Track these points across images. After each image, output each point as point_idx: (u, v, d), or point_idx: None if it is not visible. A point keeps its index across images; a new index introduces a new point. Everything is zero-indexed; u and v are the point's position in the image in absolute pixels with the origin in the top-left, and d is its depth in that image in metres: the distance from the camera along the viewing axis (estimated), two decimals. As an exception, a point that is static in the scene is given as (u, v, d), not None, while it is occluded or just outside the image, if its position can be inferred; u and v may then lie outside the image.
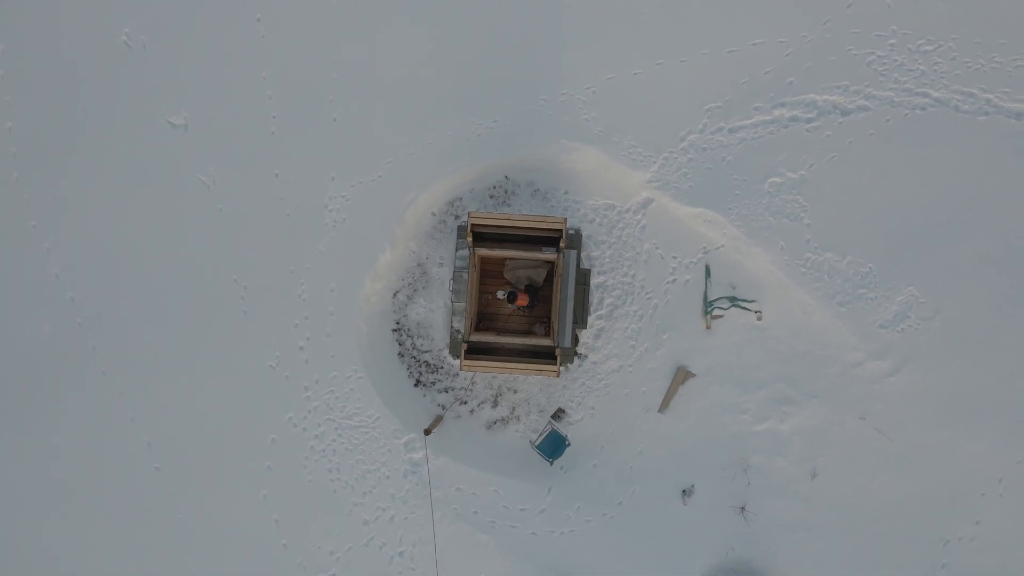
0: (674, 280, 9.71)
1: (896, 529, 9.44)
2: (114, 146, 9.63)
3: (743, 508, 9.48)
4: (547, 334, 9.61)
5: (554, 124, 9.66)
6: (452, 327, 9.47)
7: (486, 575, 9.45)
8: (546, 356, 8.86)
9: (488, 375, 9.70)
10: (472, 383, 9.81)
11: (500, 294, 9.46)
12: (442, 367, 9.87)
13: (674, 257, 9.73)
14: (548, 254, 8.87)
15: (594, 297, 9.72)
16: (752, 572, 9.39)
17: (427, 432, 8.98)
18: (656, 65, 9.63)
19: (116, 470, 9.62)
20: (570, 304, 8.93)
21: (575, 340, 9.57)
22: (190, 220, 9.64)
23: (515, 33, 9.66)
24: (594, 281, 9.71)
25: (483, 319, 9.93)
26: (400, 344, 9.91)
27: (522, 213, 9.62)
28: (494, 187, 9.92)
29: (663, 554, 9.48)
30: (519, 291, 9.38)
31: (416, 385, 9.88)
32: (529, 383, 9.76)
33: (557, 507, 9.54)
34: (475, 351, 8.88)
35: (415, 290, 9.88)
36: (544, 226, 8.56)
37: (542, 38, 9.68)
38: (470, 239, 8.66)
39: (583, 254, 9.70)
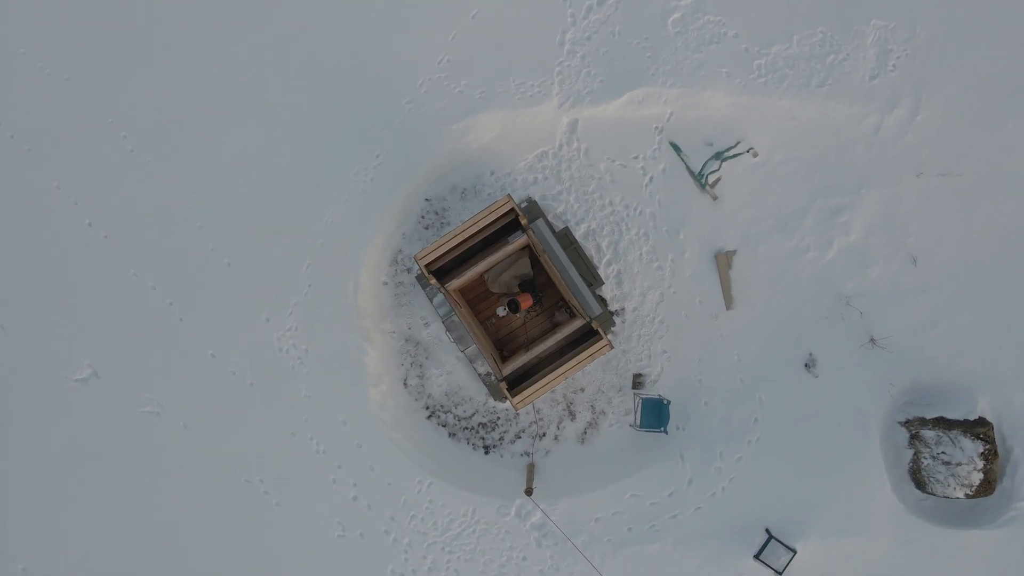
0: (650, 178, 8.47)
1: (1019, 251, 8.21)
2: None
3: (872, 340, 8.23)
4: (572, 314, 8.35)
5: (433, 117, 8.43)
6: (480, 374, 8.20)
7: (701, 572, 8.18)
8: (587, 336, 7.59)
9: (546, 396, 8.42)
10: (537, 412, 8.53)
11: (501, 311, 8.21)
12: (498, 419, 8.59)
13: (634, 158, 8.50)
14: (517, 240, 7.62)
15: (590, 248, 8.47)
16: (938, 388, 8.12)
17: (529, 491, 7.69)
18: (486, -6, 8.43)
19: None
20: (573, 271, 7.67)
21: (602, 302, 8.31)
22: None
23: (337, 68, 8.44)
24: (579, 233, 8.47)
25: (503, 345, 8.66)
26: (444, 426, 8.62)
27: (462, 221, 8.36)
28: (422, 217, 8.67)
29: (832, 434, 8.19)
30: (517, 295, 8.13)
31: (487, 452, 8.59)
32: (590, 373, 8.50)
33: (700, 468, 8.26)
34: (517, 382, 7.61)
35: (420, 366, 8.60)
36: (492, 217, 7.30)
37: (364, 52, 8.45)
38: (433, 281, 7.40)
39: (550, 217, 8.45)
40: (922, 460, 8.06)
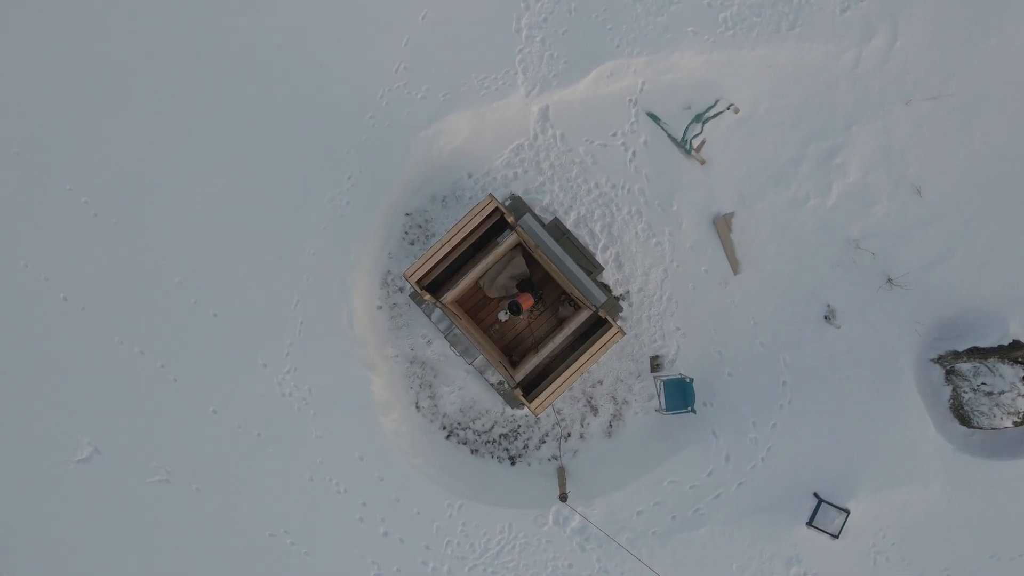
0: (633, 153, 8.13)
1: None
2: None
3: (889, 280, 7.89)
4: (577, 307, 8.01)
5: (399, 128, 8.09)
6: (492, 384, 7.86)
7: (754, 550, 7.80)
8: (596, 327, 7.25)
9: (564, 395, 8.07)
10: (557, 413, 8.19)
11: (502, 315, 7.86)
12: (519, 427, 8.25)
13: (613, 135, 8.16)
14: (507, 240, 7.28)
15: (583, 236, 8.14)
16: (966, 318, 7.79)
17: (563, 497, 7.35)
18: (432, -8, 8.10)
19: None
20: (569, 262, 7.33)
21: (605, 288, 7.98)
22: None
23: (293, 95, 8.11)
24: (569, 222, 8.13)
25: (511, 350, 8.32)
26: (464, 443, 8.27)
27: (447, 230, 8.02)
28: (405, 233, 8.33)
29: (865, 384, 7.84)
30: (516, 296, 7.79)
31: (513, 463, 8.24)
32: (605, 364, 8.15)
33: (735, 441, 7.92)
34: (532, 385, 7.27)
35: (430, 386, 8.25)
36: (477, 220, 6.97)
37: (318, 74, 8.12)
38: (428, 297, 7.06)
39: (536, 210, 8.12)
40: (962, 395, 7.72)
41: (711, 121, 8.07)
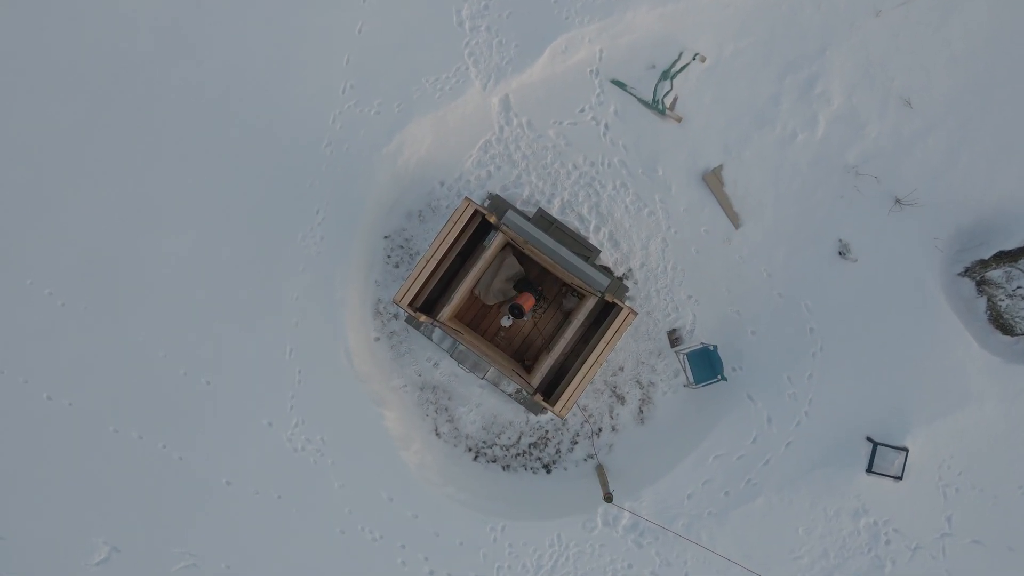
0: (605, 125, 7.72)
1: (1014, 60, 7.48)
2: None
3: (897, 201, 7.48)
4: (581, 296, 7.59)
5: (359, 149, 7.67)
6: (510, 394, 7.44)
7: (816, 510, 7.37)
8: (605, 313, 6.83)
9: (587, 390, 7.64)
10: (583, 410, 7.76)
11: (505, 321, 7.46)
12: (546, 433, 7.82)
13: (581, 111, 7.75)
14: (494, 242, 6.86)
15: (572, 221, 7.72)
16: (984, 224, 7.38)
17: (609, 497, 6.91)
18: (364, 3, 7.68)
19: None
20: (563, 251, 6.90)
21: (606, 271, 7.58)
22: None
23: (245, 136, 7.69)
24: (554, 211, 7.71)
25: (522, 355, 7.90)
26: (494, 461, 7.84)
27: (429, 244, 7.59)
28: (388, 256, 7.90)
29: (895, 314, 7.42)
30: (515, 298, 7.37)
31: (549, 472, 7.81)
32: (623, 349, 7.73)
33: (774, 401, 7.49)
34: (551, 387, 6.84)
35: (446, 409, 7.83)
36: (458, 227, 6.54)
37: (265, 110, 7.70)
38: (423, 318, 6.63)
39: (518, 204, 7.71)
40: (999, 303, 7.30)
41: (679, 76, 7.66)
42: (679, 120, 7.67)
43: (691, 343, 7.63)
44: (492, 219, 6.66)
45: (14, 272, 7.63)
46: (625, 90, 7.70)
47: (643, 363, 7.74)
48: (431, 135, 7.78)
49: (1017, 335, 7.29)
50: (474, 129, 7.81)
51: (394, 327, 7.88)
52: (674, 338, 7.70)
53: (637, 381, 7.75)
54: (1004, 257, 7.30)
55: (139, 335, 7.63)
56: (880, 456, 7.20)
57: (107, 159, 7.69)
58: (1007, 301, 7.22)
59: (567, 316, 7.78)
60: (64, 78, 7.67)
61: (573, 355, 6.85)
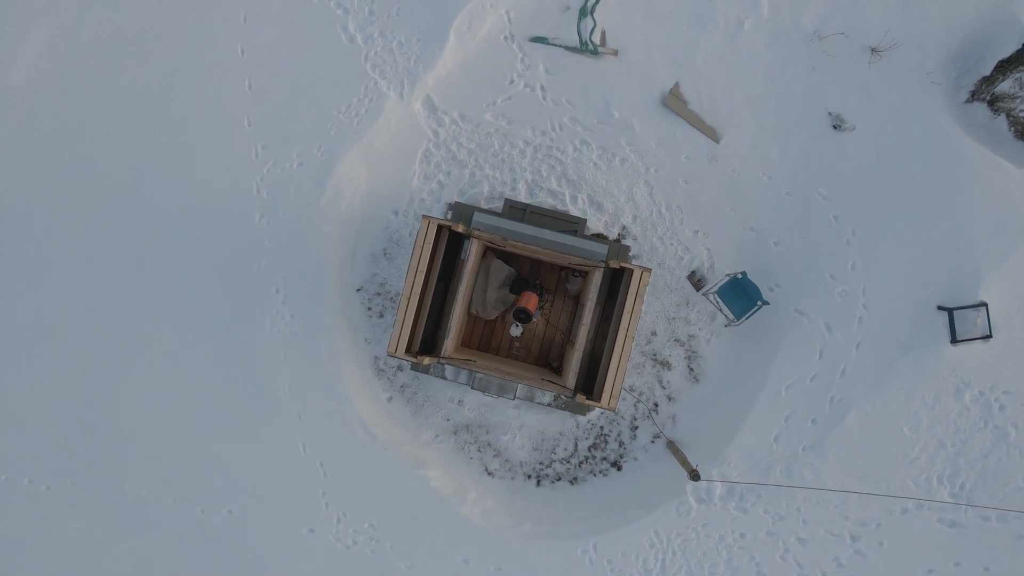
0: (542, 88, 6.98)
1: None
2: None
3: (873, 50, 6.74)
4: (584, 274, 6.84)
5: (295, 208, 6.91)
6: (551, 405, 6.68)
7: (914, 402, 6.60)
8: (616, 281, 6.07)
9: (627, 370, 6.87)
10: (632, 391, 6.99)
11: (514, 330, 6.71)
12: (602, 429, 7.05)
13: (511, 83, 7.04)
14: (471, 251, 6.10)
15: (544, 200, 6.97)
16: (973, 38, 6.66)
17: (695, 475, 6.13)
18: (243, 56, 6.94)
19: None
20: (548, 233, 6.17)
21: (600, 237, 6.84)
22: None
23: (179, 243, 6.95)
24: (522, 196, 6.97)
25: (546, 358, 7.13)
26: (559, 479, 7.06)
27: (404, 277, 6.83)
28: (368, 309, 7.14)
29: (917, 164, 6.67)
30: (516, 302, 6.61)
31: (619, 469, 7.04)
32: (647, 313, 6.98)
33: (826, 306, 6.72)
34: (590, 381, 6.08)
35: (489, 445, 7.06)
36: (428, 250, 5.78)
37: (187, 202, 6.94)
38: (424, 360, 5.86)
39: (482, 204, 6.96)
40: (1019, 114, 6.59)
41: (597, 7, 6.92)
42: (615, 54, 6.93)
43: (717, 279, 6.88)
44: (460, 228, 5.90)
45: (-19, 475, 6.86)
46: (548, 43, 6.96)
47: (674, 319, 6.98)
48: (364, 167, 7.03)
49: (1052, 140, 6.56)
50: (407, 144, 7.07)
51: (403, 380, 7.12)
52: (696, 281, 6.95)
53: (675, 339, 7.00)
54: (1006, 65, 6.57)
55: (139, 492, 6.85)
56: (960, 321, 6.43)
57: (43, 319, 6.92)
58: (1028, 109, 6.50)
59: (577, 300, 7.03)
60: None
61: (600, 338, 6.10)
